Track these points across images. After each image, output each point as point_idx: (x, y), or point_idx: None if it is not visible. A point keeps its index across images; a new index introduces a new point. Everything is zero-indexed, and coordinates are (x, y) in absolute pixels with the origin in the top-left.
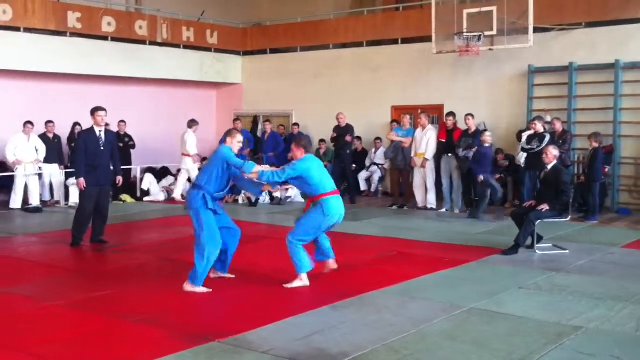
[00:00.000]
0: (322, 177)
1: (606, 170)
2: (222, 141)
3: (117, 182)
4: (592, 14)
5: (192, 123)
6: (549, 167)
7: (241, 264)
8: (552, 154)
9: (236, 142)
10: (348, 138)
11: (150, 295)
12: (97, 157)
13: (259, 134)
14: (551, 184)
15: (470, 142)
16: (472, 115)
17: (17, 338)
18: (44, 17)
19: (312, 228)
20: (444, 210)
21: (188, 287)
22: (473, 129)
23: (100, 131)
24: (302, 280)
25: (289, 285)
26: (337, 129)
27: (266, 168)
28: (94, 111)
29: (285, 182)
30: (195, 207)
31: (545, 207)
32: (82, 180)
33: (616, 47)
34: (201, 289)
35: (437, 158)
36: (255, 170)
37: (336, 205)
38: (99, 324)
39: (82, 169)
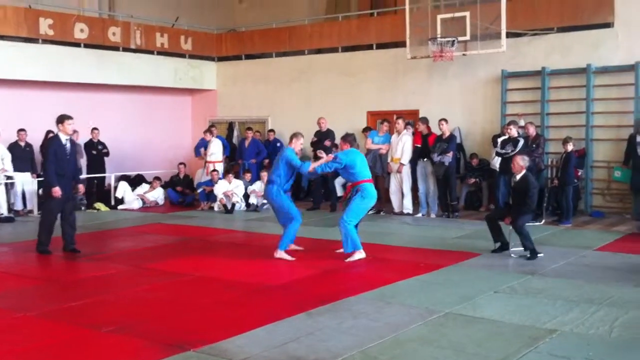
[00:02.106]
0: (362, 167)
1: (579, 173)
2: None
3: (79, 190)
4: (564, 19)
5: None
6: (518, 176)
7: (217, 271)
8: (518, 164)
9: (299, 144)
10: (327, 143)
11: (124, 304)
12: (64, 166)
13: (234, 140)
14: (521, 193)
15: (445, 147)
16: (445, 120)
17: None
18: (16, 24)
19: (359, 211)
20: (420, 215)
21: (279, 254)
22: (447, 133)
23: (66, 140)
24: (361, 253)
25: (350, 259)
26: (318, 133)
27: (316, 164)
28: (63, 120)
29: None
30: (273, 197)
31: (507, 221)
32: (57, 188)
33: (588, 51)
34: (288, 257)
35: (413, 163)
36: (311, 169)
37: (372, 190)
38: (72, 335)
39: (55, 177)
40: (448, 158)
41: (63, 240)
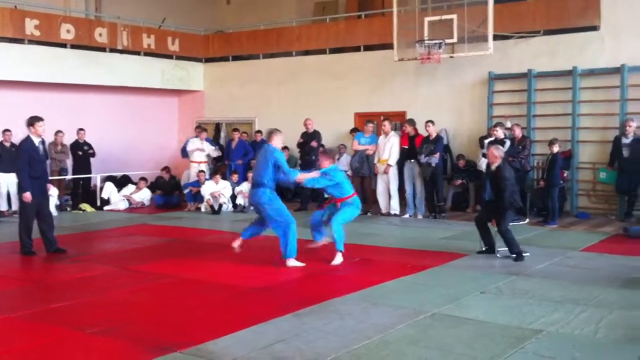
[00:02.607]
0: (347, 182)
1: (565, 175)
2: (267, 140)
3: (48, 189)
4: (550, 22)
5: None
6: (494, 167)
7: (203, 272)
8: (493, 154)
9: (280, 142)
10: (313, 144)
11: (110, 306)
12: (38, 168)
13: (221, 141)
14: (498, 183)
15: (432, 148)
16: (432, 121)
17: None
18: (1, 24)
19: (350, 217)
20: (407, 216)
21: (291, 262)
22: (434, 135)
23: (39, 142)
24: (341, 257)
25: (334, 263)
26: (305, 135)
27: (306, 176)
28: (34, 121)
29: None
30: (266, 201)
31: (494, 222)
32: (28, 194)
33: (574, 54)
34: (299, 263)
35: (400, 164)
36: (299, 178)
37: (359, 201)
38: (57, 336)
39: (29, 182)
40: (435, 159)
41: (43, 242)
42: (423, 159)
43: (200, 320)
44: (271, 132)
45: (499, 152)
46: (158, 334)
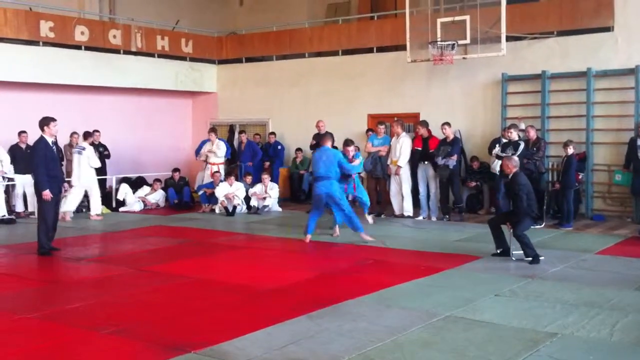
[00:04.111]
0: None
1: (580, 177)
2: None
3: (64, 189)
4: (563, 23)
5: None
6: (510, 176)
7: (217, 274)
8: (507, 166)
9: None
10: None
11: (125, 306)
12: (54, 168)
13: (235, 143)
14: (513, 192)
15: (449, 150)
16: (448, 124)
17: None
18: (16, 27)
19: None
20: (420, 217)
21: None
22: (451, 137)
23: (52, 142)
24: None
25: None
26: (317, 136)
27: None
28: (48, 122)
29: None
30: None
31: (509, 226)
32: (48, 192)
33: (588, 55)
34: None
35: (414, 166)
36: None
37: None
38: (72, 337)
39: (46, 180)
40: (452, 161)
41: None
42: (440, 161)
43: (215, 321)
44: (324, 135)
45: (512, 163)
46: (172, 334)
